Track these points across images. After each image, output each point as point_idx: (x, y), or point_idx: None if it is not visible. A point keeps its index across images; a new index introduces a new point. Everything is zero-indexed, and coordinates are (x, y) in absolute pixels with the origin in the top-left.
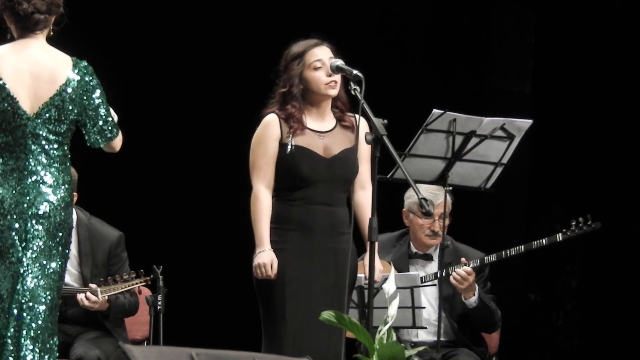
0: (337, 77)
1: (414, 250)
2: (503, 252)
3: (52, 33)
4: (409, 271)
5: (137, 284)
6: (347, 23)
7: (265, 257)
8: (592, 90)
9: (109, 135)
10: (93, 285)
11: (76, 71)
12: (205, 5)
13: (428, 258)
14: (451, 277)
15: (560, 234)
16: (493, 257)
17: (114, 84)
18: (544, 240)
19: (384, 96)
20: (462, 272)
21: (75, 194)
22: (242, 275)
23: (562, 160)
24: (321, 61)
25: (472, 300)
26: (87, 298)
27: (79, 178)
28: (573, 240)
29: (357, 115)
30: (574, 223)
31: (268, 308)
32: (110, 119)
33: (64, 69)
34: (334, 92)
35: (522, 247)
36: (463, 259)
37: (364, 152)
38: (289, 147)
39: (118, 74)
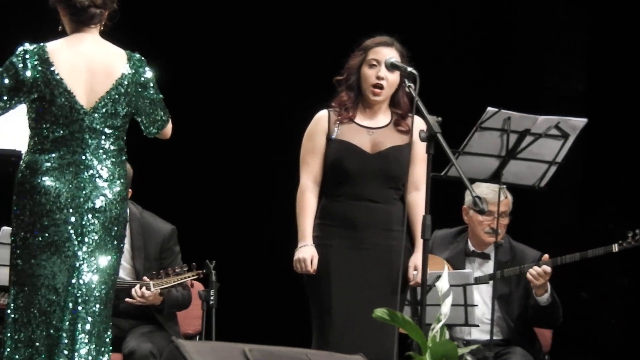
0: (386, 83)
1: (471, 248)
2: (558, 259)
3: (102, 28)
4: (464, 269)
5: (189, 277)
6: (401, 21)
7: (306, 252)
8: None
9: (162, 124)
10: (146, 279)
11: (130, 64)
12: (261, 1)
13: (485, 257)
14: (528, 274)
15: (616, 244)
16: (549, 264)
17: (166, 78)
18: (599, 250)
19: (438, 94)
20: (540, 269)
21: (129, 190)
22: (294, 271)
23: (616, 159)
24: (378, 61)
25: (545, 297)
26: (141, 295)
27: (133, 172)
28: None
29: (411, 115)
30: (630, 234)
31: (316, 303)
32: (161, 107)
33: (118, 62)
34: (376, 98)
35: (578, 255)
36: (546, 256)
37: (419, 153)
38: (333, 136)
39: (170, 68)
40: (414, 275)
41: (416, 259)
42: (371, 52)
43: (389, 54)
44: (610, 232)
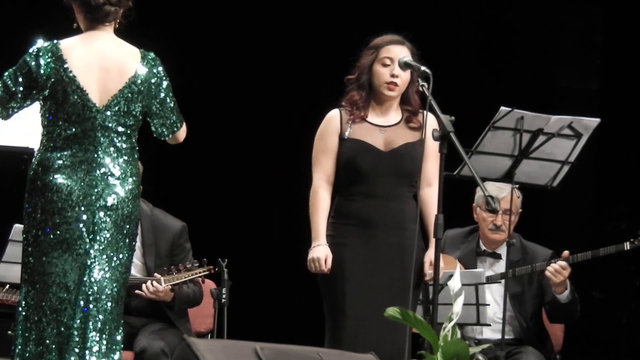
0: (400, 81)
1: (482, 247)
2: (570, 257)
3: (117, 26)
4: (476, 268)
5: (201, 273)
6: (415, 20)
7: (320, 252)
8: None
9: (175, 127)
10: (157, 275)
11: (144, 63)
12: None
13: (497, 257)
14: (546, 271)
15: (628, 242)
16: (566, 261)
17: (178, 76)
18: (611, 248)
19: (451, 93)
20: (557, 266)
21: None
22: (307, 269)
23: (629, 159)
24: (391, 59)
25: (565, 295)
26: (153, 290)
27: (144, 169)
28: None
29: (424, 112)
30: None
31: (329, 302)
32: (176, 110)
33: (132, 61)
34: (391, 93)
35: (590, 253)
36: (566, 252)
37: (431, 149)
38: (346, 137)
39: (182, 66)
40: (430, 273)
41: (431, 254)
42: (383, 51)
43: (401, 52)
44: (623, 232)
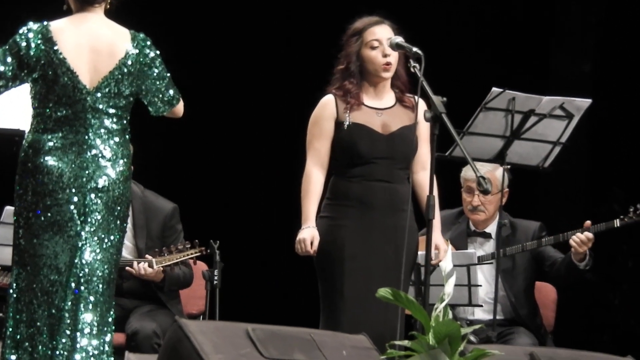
0: (393, 59)
1: (472, 228)
2: (560, 235)
3: (108, 6)
4: (467, 249)
5: (192, 254)
6: (410, 2)
7: (306, 233)
8: None
9: (172, 102)
10: (148, 257)
11: (135, 44)
12: None
13: (486, 236)
14: (571, 240)
15: (618, 220)
16: (550, 240)
17: (168, 53)
18: (601, 226)
19: (443, 74)
20: (583, 237)
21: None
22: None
23: (623, 140)
24: (379, 40)
25: (584, 263)
26: (143, 272)
27: (135, 151)
28: (630, 226)
29: (415, 97)
30: (632, 209)
31: (327, 284)
32: (171, 85)
33: (123, 42)
34: (387, 74)
35: (580, 230)
36: (588, 222)
37: (424, 133)
38: (346, 124)
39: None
40: (436, 254)
41: (435, 238)
42: (368, 34)
43: (385, 31)
44: (616, 214)
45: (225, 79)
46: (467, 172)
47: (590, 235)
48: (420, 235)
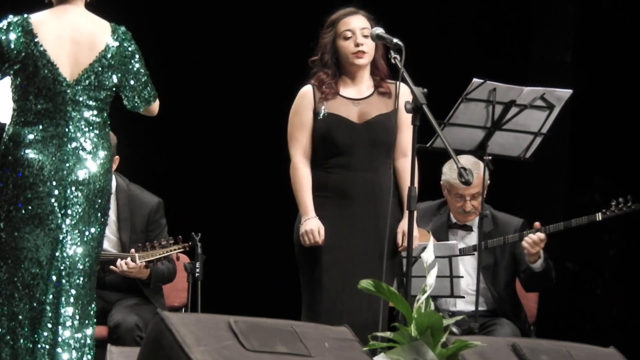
0: (367, 48)
1: (453, 220)
2: (542, 228)
3: (89, 0)
4: (448, 241)
5: (175, 250)
6: None
7: (312, 224)
8: (634, 60)
9: (149, 99)
10: (132, 251)
11: (115, 37)
12: None
13: (467, 229)
14: (523, 242)
15: (600, 213)
16: (532, 233)
17: (151, 49)
18: (583, 219)
19: (424, 65)
20: (535, 237)
21: (116, 157)
22: (281, 243)
23: (603, 130)
24: (351, 30)
25: (539, 264)
26: (125, 266)
27: (119, 144)
28: (612, 219)
29: (397, 83)
30: (614, 203)
31: (307, 275)
32: (149, 83)
33: (103, 35)
34: (361, 61)
35: (562, 224)
36: (537, 223)
37: (405, 119)
38: (321, 114)
39: (156, 39)
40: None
41: (404, 225)
42: (341, 25)
43: (359, 21)
44: (597, 204)
45: (207, 73)
46: (451, 178)
47: (542, 235)
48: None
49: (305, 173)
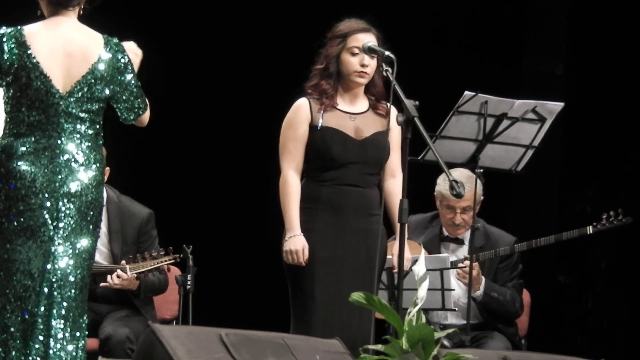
0: (370, 69)
1: (445, 233)
2: (533, 242)
3: (82, 12)
4: (439, 254)
5: (166, 261)
6: (380, 4)
7: (297, 243)
8: (625, 72)
9: (139, 112)
10: (123, 263)
11: (108, 49)
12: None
13: (459, 242)
14: (456, 272)
15: (590, 227)
16: (523, 246)
17: (144, 62)
18: (574, 232)
19: (416, 78)
20: (460, 270)
21: (107, 168)
22: (272, 256)
23: (594, 143)
24: (360, 49)
25: (477, 294)
26: (117, 276)
27: (109, 156)
28: (603, 233)
29: (388, 104)
30: (604, 216)
31: (297, 288)
32: (141, 94)
33: (96, 47)
34: (362, 80)
35: (553, 237)
36: (465, 255)
37: (396, 140)
38: (319, 127)
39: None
40: (389, 259)
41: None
42: (351, 40)
43: (369, 39)
44: (588, 216)
45: (199, 85)
46: (444, 189)
47: (467, 269)
48: (391, 240)
49: (295, 187)
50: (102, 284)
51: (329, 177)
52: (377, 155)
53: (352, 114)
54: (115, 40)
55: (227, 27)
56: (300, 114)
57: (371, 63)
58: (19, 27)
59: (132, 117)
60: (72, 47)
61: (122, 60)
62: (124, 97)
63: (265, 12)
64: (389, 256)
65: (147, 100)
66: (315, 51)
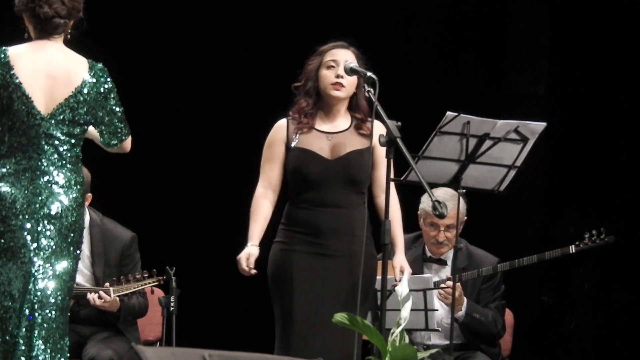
0: (346, 82)
1: (428, 254)
2: (516, 261)
3: (69, 37)
4: (422, 274)
5: (149, 283)
6: (362, 24)
7: (243, 252)
8: (607, 92)
9: (122, 137)
10: (107, 285)
11: (92, 73)
12: (221, 5)
13: (442, 263)
14: (437, 293)
15: (573, 246)
16: (506, 266)
17: (126, 85)
18: (557, 252)
19: (398, 98)
20: (443, 291)
21: (89, 194)
22: (255, 277)
23: (576, 163)
24: (335, 62)
25: (459, 315)
26: (99, 297)
27: (92, 179)
28: (587, 252)
29: (371, 119)
30: (587, 235)
31: (278, 308)
32: (123, 120)
33: (80, 70)
34: (338, 93)
35: (535, 257)
36: (448, 275)
37: (381, 156)
38: (292, 148)
39: (130, 75)
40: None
41: (400, 260)
42: (327, 55)
43: (345, 54)
44: (571, 237)
45: (182, 108)
46: (428, 206)
47: (448, 290)
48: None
49: (262, 204)
50: (87, 296)
51: (306, 198)
52: (354, 173)
53: (330, 134)
54: (100, 65)
55: (212, 49)
56: (277, 134)
57: (347, 77)
58: (3, 48)
59: (114, 142)
60: (56, 70)
61: (106, 86)
62: (106, 122)
63: (250, 28)
64: (390, 276)
65: (128, 128)
66: (297, 75)
